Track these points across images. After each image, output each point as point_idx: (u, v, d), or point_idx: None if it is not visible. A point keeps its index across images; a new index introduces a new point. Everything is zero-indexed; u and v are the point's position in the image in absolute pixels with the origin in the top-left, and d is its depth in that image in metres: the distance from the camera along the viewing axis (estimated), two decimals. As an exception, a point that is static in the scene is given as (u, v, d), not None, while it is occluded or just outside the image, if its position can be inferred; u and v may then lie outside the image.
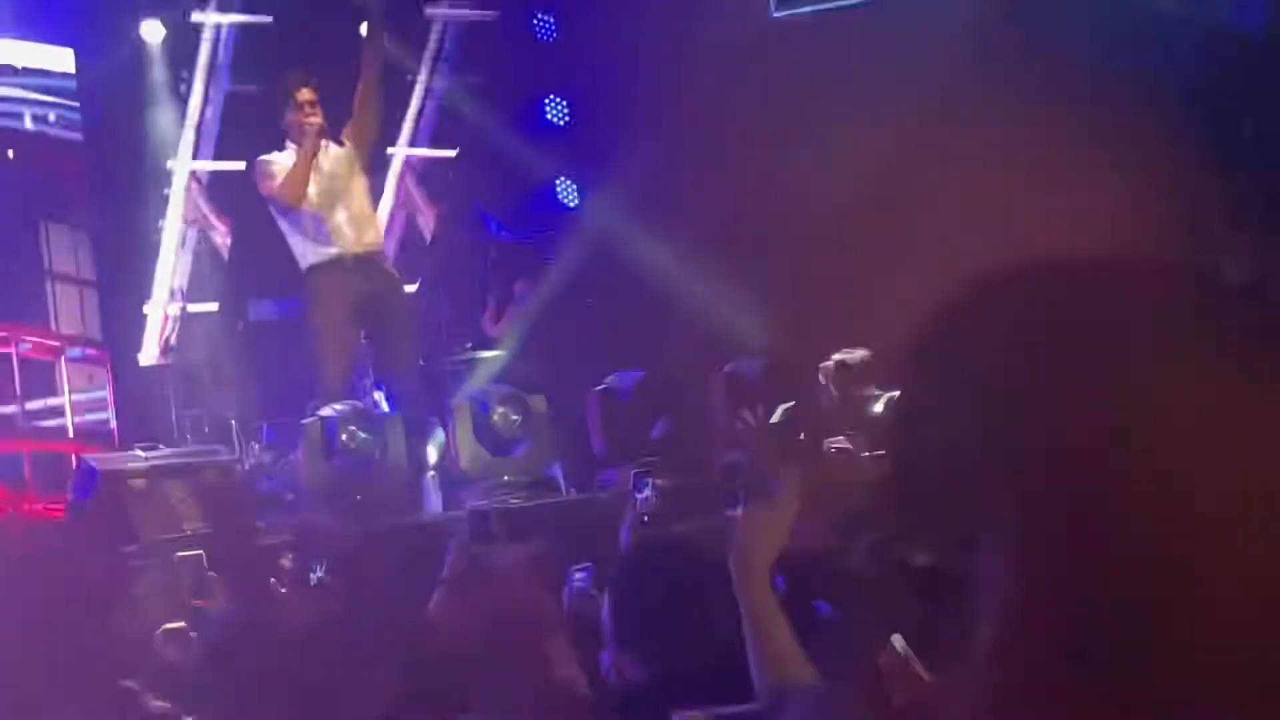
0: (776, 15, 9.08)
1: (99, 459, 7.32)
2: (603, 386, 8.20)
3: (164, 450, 7.31)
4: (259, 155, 7.96)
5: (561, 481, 7.88)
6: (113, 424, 9.84)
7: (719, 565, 3.85)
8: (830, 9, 9.20)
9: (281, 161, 7.72)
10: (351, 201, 7.85)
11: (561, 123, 10.81)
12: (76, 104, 9.87)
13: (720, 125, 9.11)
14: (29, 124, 9.45)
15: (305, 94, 7.71)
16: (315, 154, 7.67)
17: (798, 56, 8.77)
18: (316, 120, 7.65)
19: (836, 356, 6.47)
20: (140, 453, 7.20)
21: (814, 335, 8.16)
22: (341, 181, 7.81)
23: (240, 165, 10.51)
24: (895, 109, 8.11)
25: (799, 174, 8.60)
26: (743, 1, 9.53)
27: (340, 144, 7.85)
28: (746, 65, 8.89)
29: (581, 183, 10.46)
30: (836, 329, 8.27)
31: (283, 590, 4.56)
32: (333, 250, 7.78)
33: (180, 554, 5.91)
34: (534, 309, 8.81)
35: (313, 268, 7.80)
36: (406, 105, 11.38)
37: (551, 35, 10.85)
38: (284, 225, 7.88)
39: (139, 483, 6.90)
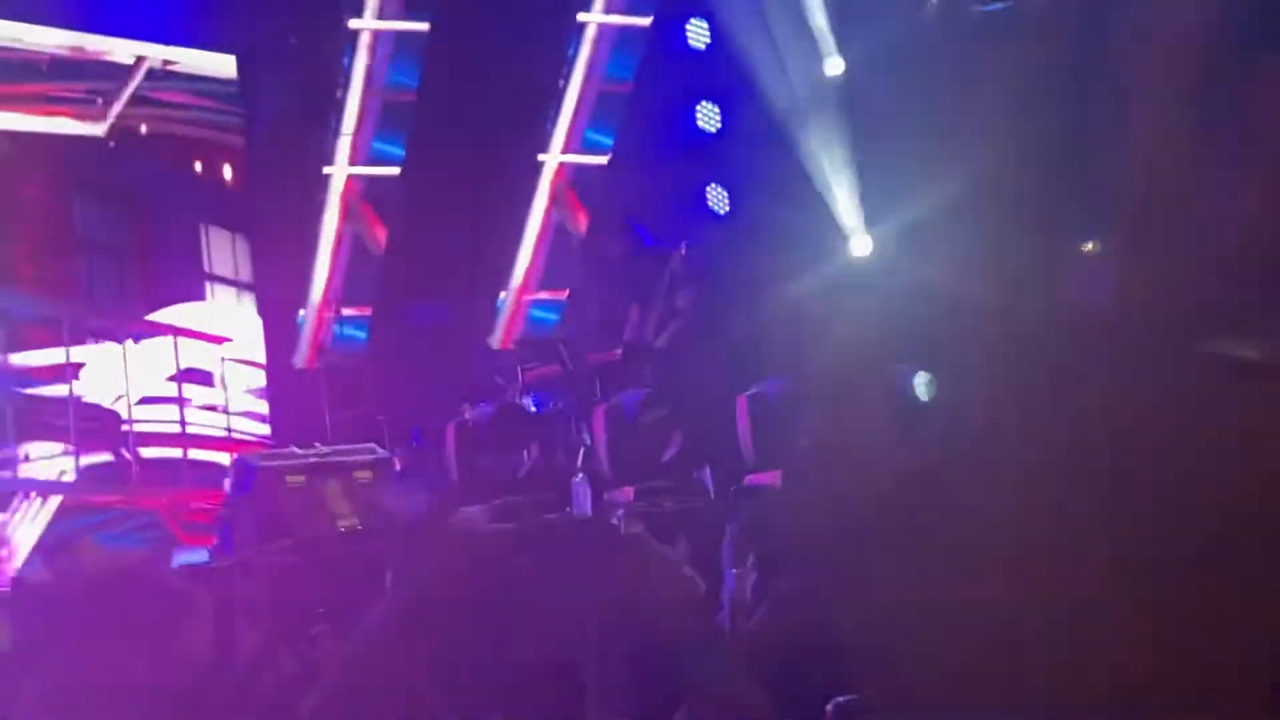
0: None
1: (256, 456, 7.43)
2: (752, 391, 8.14)
3: (320, 449, 7.41)
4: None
5: (710, 486, 7.83)
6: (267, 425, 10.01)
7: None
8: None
9: None
10: None
11: (713, 130, 10.78)
12: (238, 109, 10.05)
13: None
14: (192, 128, 9.63)
15: None
16: None
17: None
18: None
19: None
20: (297, 450, 7.30)
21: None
22: None
23: (395, 171, 10.65)
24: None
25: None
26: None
27: None
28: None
29: (732, 189, 10.42)
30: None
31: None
32: None
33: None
34: (695, 319, 8.77)
35: None
36: (556, 112, 11.41)
37: (704, 42, 10.84)
38: None
39: (297, 479, 6.99)
